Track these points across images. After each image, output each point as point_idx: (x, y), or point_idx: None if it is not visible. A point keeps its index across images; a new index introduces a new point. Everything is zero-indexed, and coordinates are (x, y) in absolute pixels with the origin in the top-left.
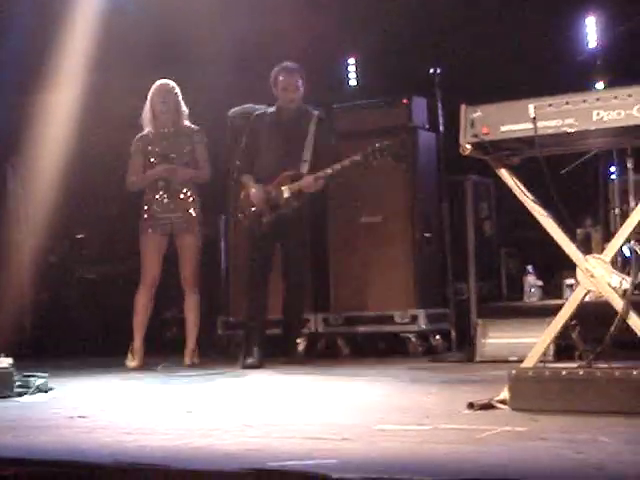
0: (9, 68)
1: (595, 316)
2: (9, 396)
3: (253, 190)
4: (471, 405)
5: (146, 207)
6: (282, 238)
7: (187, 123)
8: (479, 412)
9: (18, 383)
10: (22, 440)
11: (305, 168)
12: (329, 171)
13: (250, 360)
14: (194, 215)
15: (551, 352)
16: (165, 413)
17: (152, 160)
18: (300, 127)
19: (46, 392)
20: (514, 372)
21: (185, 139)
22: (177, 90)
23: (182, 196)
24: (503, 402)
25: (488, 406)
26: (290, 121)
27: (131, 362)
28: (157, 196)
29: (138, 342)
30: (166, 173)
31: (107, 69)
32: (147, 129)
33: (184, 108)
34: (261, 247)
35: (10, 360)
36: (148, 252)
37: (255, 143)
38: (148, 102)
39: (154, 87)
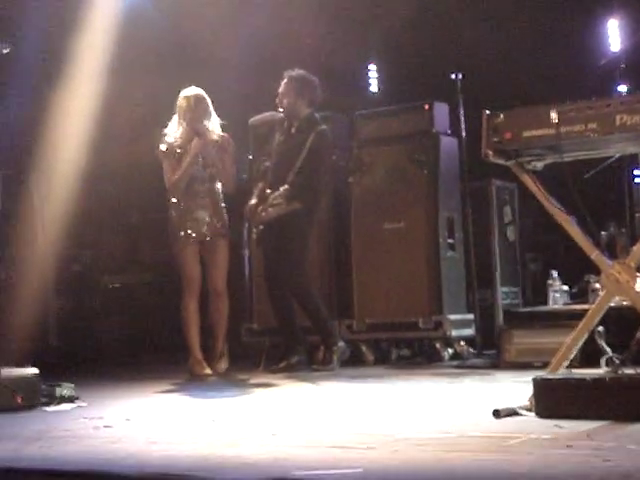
0: (24, 80)
1: (620, 321)
2: (35, 406)
3: (250, 202)
4: (496, 412)
5: (176, 214)
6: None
7: (218, 131)
8: (504, 419)
9: (43, 393)
10: (48, 451)
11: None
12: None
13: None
14: (224, 220)
15: (577, 358)
16: (191, 422)
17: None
18: (299, 140)
19: (72, 402)
20: (539, 379)
21: (214, 148)
22: (206, 98)
23: (212, 200)
24: (529, 409)
25: (513, 413)
26: (292, 132)
27: (204, 370)
28: (188, 203)
29: (199, 352)
30: (199, 148)
31: (122, 77)
32: (175, 136)
33: (214, 116)
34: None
35: (35, 370)
36: (188, 260)
37: (270, 149)
38: (177, 110)
39: (182, 96)
